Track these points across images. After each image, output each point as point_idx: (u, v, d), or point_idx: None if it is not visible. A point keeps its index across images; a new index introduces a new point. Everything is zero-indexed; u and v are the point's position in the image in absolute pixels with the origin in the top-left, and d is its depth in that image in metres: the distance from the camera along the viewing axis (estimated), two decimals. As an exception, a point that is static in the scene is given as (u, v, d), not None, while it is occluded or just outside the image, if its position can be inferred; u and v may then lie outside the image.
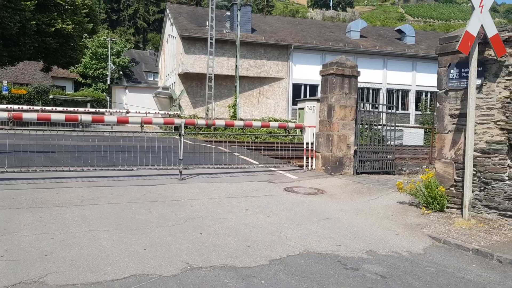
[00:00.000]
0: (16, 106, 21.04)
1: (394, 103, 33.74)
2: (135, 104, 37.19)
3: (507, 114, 5.84)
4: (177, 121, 8.16)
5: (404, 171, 10.35)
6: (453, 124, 6.49)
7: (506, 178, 5.85)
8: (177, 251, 4.34)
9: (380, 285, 3.84)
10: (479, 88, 6.10)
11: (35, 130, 8.10)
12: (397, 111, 32.01)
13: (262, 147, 12.83)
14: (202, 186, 7.53)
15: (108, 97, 45.63)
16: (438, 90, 6.81)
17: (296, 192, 7.52)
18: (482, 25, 5.72)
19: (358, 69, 9.35)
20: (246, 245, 4.68)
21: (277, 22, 37.11)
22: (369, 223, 5.90)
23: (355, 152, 9.33)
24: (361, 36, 35.36)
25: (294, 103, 27.03)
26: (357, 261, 4.43)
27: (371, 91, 32.11)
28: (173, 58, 32.86)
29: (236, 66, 23.43)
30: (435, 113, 9.57)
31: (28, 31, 28.30)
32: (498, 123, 5.94)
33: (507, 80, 5.86)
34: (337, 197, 7.31)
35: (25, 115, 7.18)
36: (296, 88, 30.98)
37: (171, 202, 6.29)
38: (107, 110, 28.86)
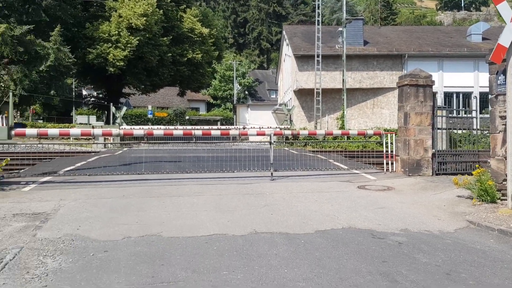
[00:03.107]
0: (155, 126, 25.14)
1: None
2: (257, 121, 40.26)
3: (547, 113, 6.44)
4: (267, 132, 9.96)
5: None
6: (503, 124, 7.16)
7: (550, 171, 6.42)
8: (250, 223, 6.03)
9: (393, 247, 5.05)
10: (522, 91, 6.76)
11: (164, 143, 10.59)
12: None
13: (359, 155, 14.00)
14: (287, 185, 9.18)
15: (234, 116, 49.95)
16: (490, 95, 7.53)
17: (366, 189, 8.72)
18: (516, 36, 6.46)
19: (432, 79, 10.15)
20: (302, 221, 6.19)
21: (391, 32, 37.14)
22: (419, 211, 6.93)
23: (434, 154, 10.09)
24: (483, 38, 33.66)
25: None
26: (387, 234, 5.63)
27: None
28: (289, 76, 35.15)
29: (343, 80, 24.61)
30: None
31: (166, 62, 33.17)
32: (540, 121, 6.55)
33: (546, 82, 6.48)
34: (402, 193, 8.35)
35: (155, 132, 9.69)
36: (411, 97, 30.82)
37: (258, 195, 8.05)
38: (229, 127, 32.12)
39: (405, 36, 34.75)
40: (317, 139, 20.87)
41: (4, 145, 13.34)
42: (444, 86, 30.52)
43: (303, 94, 30.88)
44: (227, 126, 30.79)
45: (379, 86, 30.74)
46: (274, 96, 56.91)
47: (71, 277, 3.97)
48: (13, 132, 8.44)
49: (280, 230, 5.69)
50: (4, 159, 9.49)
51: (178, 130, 10.09)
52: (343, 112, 24.70)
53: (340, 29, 34.76)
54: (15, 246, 4.84)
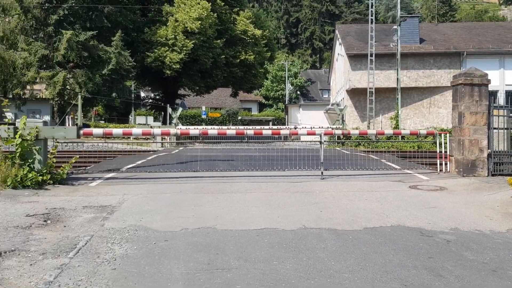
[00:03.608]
0: (209, 127, 25.93)
1: None
2: (308, 121, 40.24)
3: None
4: (317, 131, 10.13)
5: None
6: None
7: None
8: (299, 219, 6.27)
9: (441, 245, 5.10)
10: None
11: (217, 143, 11.04)
12: None
13: (413, 155, 13.84)
14: (337, 183, 9.31)
15: (286, 116, 50.18)
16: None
17: (418, 188, 8.68)
18: None
19: (488, 78, 9.89)
20: (351, 219, 6.34)
21: (449, 29, 35.91)
22: (471, 211, 6.86)
23: (489, 155, 9.83)
24: (550, 33, 31.86)
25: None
26: (436, 233, 5.67)
27: None
28: (341, 75, 34.92)
29: (397, 79, 24.19)
30: None
31: (219, 64, 34.07)
32: None
33: None
34: (455, 193, 8.25)
35: (210, 131, 10.16)
36: (470, 95, 29.65)
37: (308, 193, 8.26)
38: (280, 127, 32.36)
39: (463, 33, 33.51)
40: (370, 139, 20.69)
41: (73, 144, 14.41)
42: (506, 85, 29.18)
43: (356, 94, 30.59)
44: (279, 126, 31.12)
45: (436, 85, 29.88)
46: (326, 96, 56.53)
47: (136, 262, 4.40)
48: (81, 132, 9.18)
49: (328, 226, 5.88)
50: (73, 156, 10.32)
51: (231, 130, 10.50)
52: (397, 112, 24.25)
53: (395, 27, 34.09)
54: (86, 234, 5.37)
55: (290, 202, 7.44)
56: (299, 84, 58.92)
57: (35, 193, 8.02)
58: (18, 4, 27.67)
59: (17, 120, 8.90)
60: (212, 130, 11.41)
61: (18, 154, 8.49)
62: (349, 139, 20.38)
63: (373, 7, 26.27)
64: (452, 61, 30.06)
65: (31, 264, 4.31)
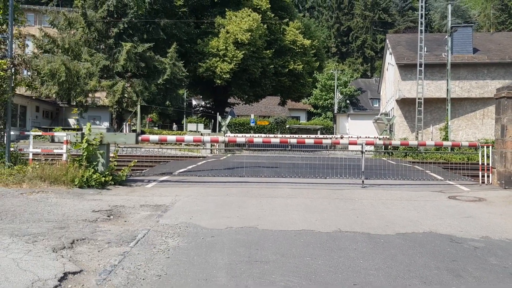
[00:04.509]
0: (256, 135, 26.70)
1: None
2: (357, 130, 40.12)
3: None
4: (359, 141, 10.48)
5: None
6: None
7: None
8: (335, 223, 6.72)
9: (468, 251, 5.40)
10: None
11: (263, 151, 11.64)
12: None
13: (460, 167, 13.81)
14: (377, 192, 9.64)
15: (334, 125, 50.18)
16: None
17: (457, 199, 8.85)
18: None
19: (533, 90, 9.88)
20: (385, 224, 6.71)
21: (505, 38, 34.74)
22: (505, 222, 7.02)
23: (534, 168, 9.80)
24: None
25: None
26: (466, 240, 5.94)
27: None
28: (391, 85, 34.65)
29: (447, 89, 23.88)
30: None
31: (268, 73, 34.88)
32: None
33: None
34: (492, 204, 8.36)
35: (255, 140, 10.79)
36: (527, 107, 28.57)
37: (347, 200, 8.67)
38: (326, 136, 32.57)
39: (521, 42, 32.37)
40: (417, 150, 20.58)
41: (130, 149, 15.53)
42: None
43: (406, 104, 30.29)
44: (325, 135, 31.38)
45: (490, 96, 28.97)
46: (376, 105, 55.76)
47: (186, 252, 5.06)
48: (139, 138, 10.08)
49: (362, 230, 6.30)
50: (130, 160, 11.27)
51: (275, 138, 11.09)
52: (447, 123, 23.92)
53: (446, 37, 33.52)
54: (143, 229, 6.11)
55: (329, 208, 7.89)
56: (349, 93, 58.64)
57: (98, 192, 8.96)
58: (82, 18, 29.77)
59: (83, 126, 9.92)
60: (258, 138, 12.06)
61: (84, 157, 9.51)
62: (397, 149, 20.37)
63: (423, 17, 26.09)
64: (507, 72, 29.18)
65: (99, 251, 5.07)
